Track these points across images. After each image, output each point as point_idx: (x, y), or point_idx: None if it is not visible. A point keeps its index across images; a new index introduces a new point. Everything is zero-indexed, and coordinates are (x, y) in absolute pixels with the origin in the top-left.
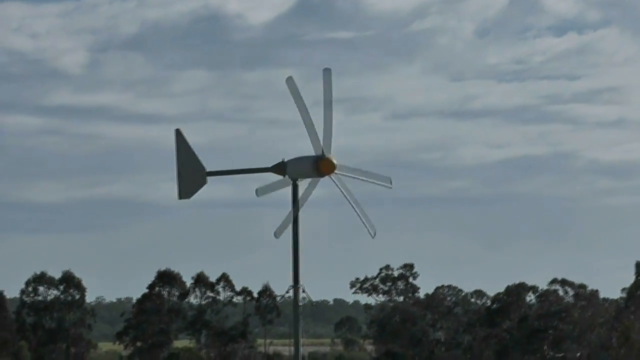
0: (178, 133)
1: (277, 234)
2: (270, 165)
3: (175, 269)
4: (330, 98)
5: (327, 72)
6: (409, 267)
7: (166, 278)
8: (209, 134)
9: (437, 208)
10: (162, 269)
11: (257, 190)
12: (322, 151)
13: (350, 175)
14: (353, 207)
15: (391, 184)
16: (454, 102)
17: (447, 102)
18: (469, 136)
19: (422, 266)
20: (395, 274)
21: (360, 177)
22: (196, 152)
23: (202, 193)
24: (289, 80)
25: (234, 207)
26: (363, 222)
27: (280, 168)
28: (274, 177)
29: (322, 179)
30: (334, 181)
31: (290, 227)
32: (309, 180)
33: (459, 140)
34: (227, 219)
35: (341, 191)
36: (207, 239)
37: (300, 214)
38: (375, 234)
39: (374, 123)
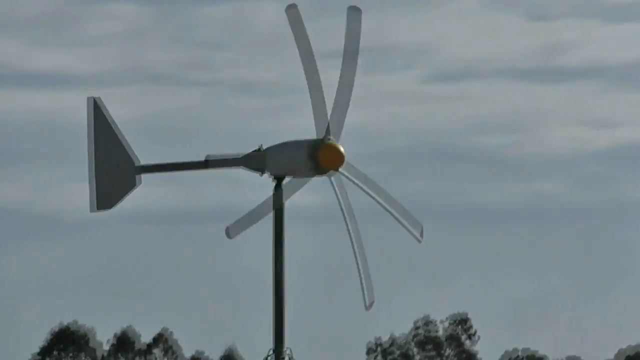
0: (94, 104)
1: (230, 233)
2: (240, 156)
3: (84, 323)
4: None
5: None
6: (461, 321)
7: (68, 339)
8: (143, 106)
9: (506, 225)
10: (62, 324)
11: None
12: (327, 133)
13: (356, 183)
14: (353, 246)
15: (422, 236)
16: (534, 54)
17: (523, 54)
18: (558, 110)
19: (481, 320)
20: (440, 331)
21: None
22: (123, 135)
23: (130, 200)
24: (291, 10)
25: (180, 222)
26: (360, 279)
27: (256, 160)
28: (247, 175)
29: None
30: (333, 184)
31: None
32: (301, 180)
33: (543, 117)
34: (168, 241)
35: (340, 205)
36: (136, 275)
37: (287, 234)
38: (372, 305)
39: (406, 87)
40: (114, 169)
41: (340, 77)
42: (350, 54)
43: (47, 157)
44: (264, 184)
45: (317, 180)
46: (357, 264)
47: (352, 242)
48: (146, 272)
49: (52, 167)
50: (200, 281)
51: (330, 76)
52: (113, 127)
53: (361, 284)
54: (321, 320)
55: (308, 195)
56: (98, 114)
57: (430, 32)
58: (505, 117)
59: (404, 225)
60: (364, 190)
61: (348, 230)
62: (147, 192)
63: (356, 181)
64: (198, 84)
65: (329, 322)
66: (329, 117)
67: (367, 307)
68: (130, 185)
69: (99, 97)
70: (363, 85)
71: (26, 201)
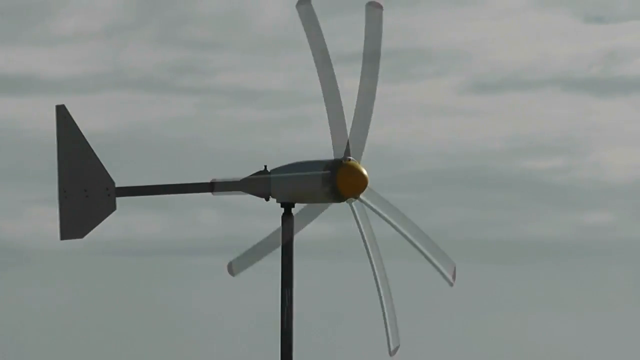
0: (61, 112)
1: (233, 270)
2: (240, 178)
3: None
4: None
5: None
6: None
7: None
8: (121, 115)
9: (552, 262)
10: None
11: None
12: (347, 151)
13: (379, 213)
14: (376, 282)
15: (454, 278)
16: (589, 62)
17: (575, 62)
18: (616, 127)
19: None
20: None
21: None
22: (96, 151)
23: (106, 228)
24: (302, 5)
25: (168, 254)
26: (385, 320)
27: (259, 184)
28: (248, 201)
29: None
30: (354, 212)
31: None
32: (314, 207)
33: (599, 136)
34: (154, 278)
35: (362, 238)
36: (113, 317)
37: (297, 270)
38: (396, 350)
39: (437, 99)
40: (85, 190)
41: (361, 85)
42: (371, 57)
43: (10, 175)
44: (270, 211)
45: (334, 207)
46: (381, 302)
47: (375, 278)
48: (126, 313)
49: (11, 187)
50: (192, 326)
51: (346, 84)
52: (84, 139)
53: (385, 325)
54: None
55: (321, 226)
56: (68, 125)
57: (466, 34)
58: (553, 136)
59: (433, 264)
60: (386, 221)
61: (371, 264)
62: (127, 219)
63: (378, 210)
64: (189, 92)
65: None
66: (348, 133)
67: (391, 353)
68: (106, 210)
69: (63, 105)
70: (385, 95)
71: None
